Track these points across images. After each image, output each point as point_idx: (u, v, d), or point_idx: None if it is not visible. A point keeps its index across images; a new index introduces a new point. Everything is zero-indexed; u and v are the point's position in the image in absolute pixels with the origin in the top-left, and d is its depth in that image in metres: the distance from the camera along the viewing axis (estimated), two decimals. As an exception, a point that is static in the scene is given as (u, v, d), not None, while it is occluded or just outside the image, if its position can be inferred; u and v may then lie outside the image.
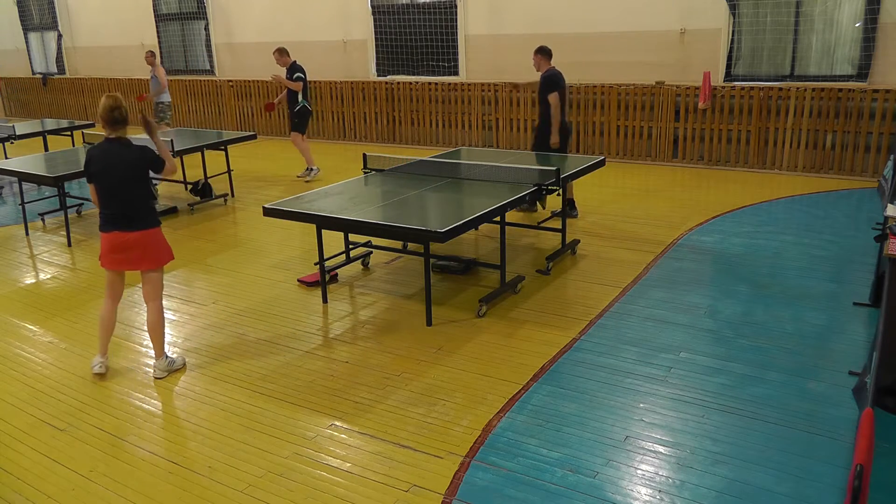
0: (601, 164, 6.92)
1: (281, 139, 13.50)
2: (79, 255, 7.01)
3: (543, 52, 7.25)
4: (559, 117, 7.13)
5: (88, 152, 4.39)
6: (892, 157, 5.74)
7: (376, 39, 12.33)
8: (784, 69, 9.44)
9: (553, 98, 7.08)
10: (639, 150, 10.39)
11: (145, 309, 4.45)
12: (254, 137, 9.46)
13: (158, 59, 11.07)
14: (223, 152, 9.17)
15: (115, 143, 4.29)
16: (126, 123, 4.31)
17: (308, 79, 9.87)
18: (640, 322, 5.03)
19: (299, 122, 9.89)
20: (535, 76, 7.50)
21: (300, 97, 9.74)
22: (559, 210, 6.95)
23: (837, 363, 4.34)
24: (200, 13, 14.20)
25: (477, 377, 4.34)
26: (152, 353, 4.86)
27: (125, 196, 4.30)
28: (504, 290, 5.56)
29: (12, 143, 9.90)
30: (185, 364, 4.65)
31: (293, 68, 9.70)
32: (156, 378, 4.48)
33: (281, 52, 9.74)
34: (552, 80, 7.18)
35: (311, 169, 10.02)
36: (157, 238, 4.43)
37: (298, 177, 10.04)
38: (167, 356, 4.58)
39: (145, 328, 5.24)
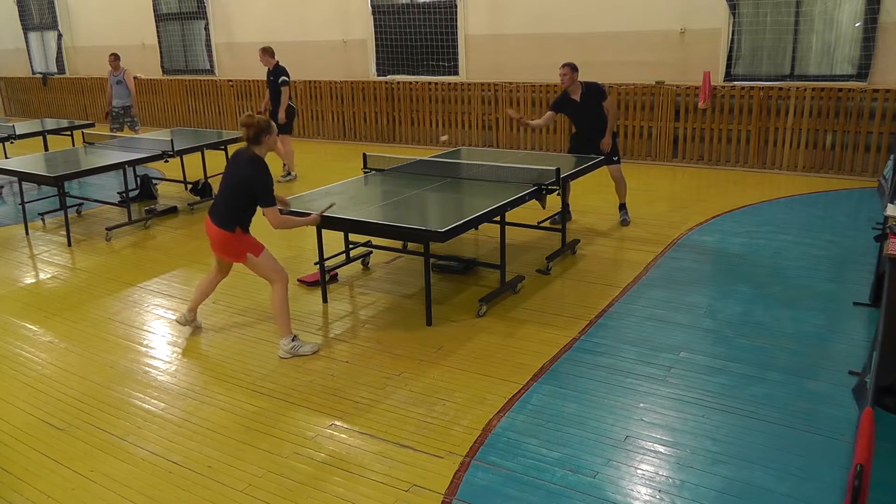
0: (601, 163, 6.93)
1: (281, 139, 13.48)
2: (79, 255, 7.01)
3: (575, 69, 7.04)
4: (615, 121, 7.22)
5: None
6: (892, 156, 5.74)
7: (376, 39, 12.32)
8: (784, 69, 9.43)
9: (609, 104, 7.10)
10: (639, 150, 10.39)
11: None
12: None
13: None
14: (223, 152, 9.16)
15: (245, 152, 4.56)
16: (257, 142, 4.49)
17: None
18: (640, 322, 5.03)
19: (287, 123, 9.69)
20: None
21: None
22: (556, 213, 6.94)
23: (837, 363, 4.34)
24: (200, 13, 14.19)
25: (477, 377, 4.34)
26: (153, 353, 4.88)
27: (222, 194, 4.60)
28: (504, 290, 5.56)
29: (12, 142, 9.89)
30: (314, 352, 4.70)
31: (277, 70, 9.59)
32: (280, 357, 4.63)
33: (265, 52, 9.60)
34: (599, 89, 7.12)
35: (290, 174, 9.86)
36: (232, 239, 4.58)
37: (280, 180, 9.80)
38: (293, 337, 4.68)
39: (146, 328, 5.27)
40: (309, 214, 4.86)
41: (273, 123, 4.58)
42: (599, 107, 7.04)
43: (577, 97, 7.03)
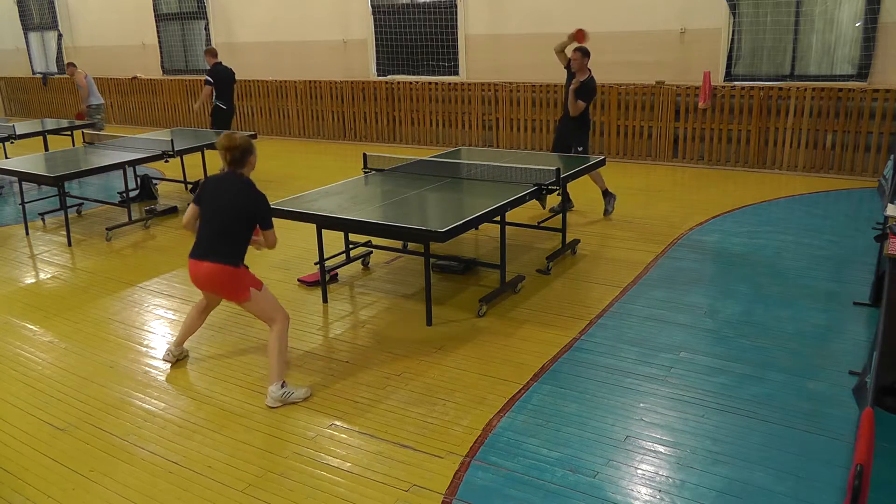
0: (601, 163, 6.93)
1: (281, 139, 13.51)
2: (79, 255, 7.01)
3: (587, 54, 7.38)
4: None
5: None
6: (892, 156, 5.74)
7: (376, 39, 12.32)
8: (784, 69, 9.43)
9: (573, 98, 7.38)
10: (639, 150, 10.39)
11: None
12: (254, 137, 9.44)
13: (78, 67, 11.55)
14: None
15: (232, 177, 4.19)
16: (242, 165, 4.16)
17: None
18: (640, 322, 5.03)
19: (213, 121, 10.09)
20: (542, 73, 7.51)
21: (214, 98, 9.94)
22: (557, 207, 6.98)
23: (837, 363, 4.34)
24: (200, 13, 14.20)
25: (477, 377, 4.34)
26: (153, 353, 4.87)
27: (218, 227, 4.13)
28: (504, 290, 5.56)
29: (12, 142, 9.90)
30: (307, 397, 4.16)
31: (209, 70, 9.94)
32: (268, 405, 4.09)
33: (207, 52, 10.03)
34: (586, 83, 7.37)
35: None
36: (237, 275, 4.16)
37: None
38: (283, 385, 4.11)
39: (146, 328, 5.26)
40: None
41: (252, 143, 4.22)
42: (575, 98, 7.33)
43: (572, 79, 7.39)
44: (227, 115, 10.10)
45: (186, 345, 4.75)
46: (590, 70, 7.36)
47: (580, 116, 7.48)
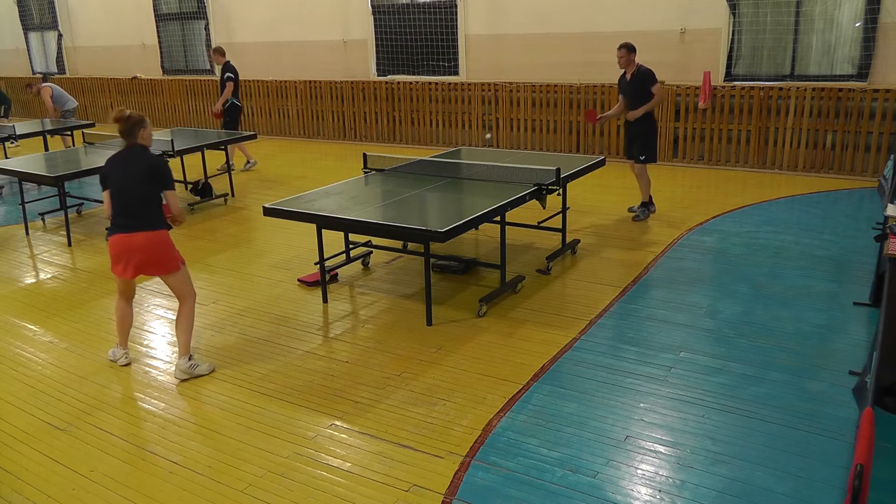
0: (601, 163, 6.92)
1: (281, 139, 13.51)
2: (79, 255, 7.01)
3: (632, 49, 7.31)
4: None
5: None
6: (892, 156, 5.74)
7: (376, 39, 12.32)
8: (784, 69, 9.43)
9: (657, 89, 7.27)
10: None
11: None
12: (254, 137, 9.47)
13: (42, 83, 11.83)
14: (223, 152, 9.18)
15: (132, 147, 4.34)
16: (133, 135, 4.31)
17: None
18: (640, 322, 5.03)
19: (232, 119, 10.29)
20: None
21: (231, 95, 10.16)
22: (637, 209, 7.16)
23: (837, 363, 4.34)
24: (200, 13, 14.19)
25: (477, 377, 4.34)
26: (153, 353, 4.87)
27: (135, 197, 4.26)
28: (504, 290, 5.56)
29: (13, 142, 9.91)
30: (211, 371, 4.49)
31: (225, 68, 10.16)
32: (176, 378, 4.42)
33: (215, 52, 10.28)
34: (653, 74, 7.31)
35: (250, 161, 10.61)
36: (166, 242, 4.34)
37: (243, 169, 10.58)
38: (190, 358, 4.44)
39: (146, 328, 5.27)
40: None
41: (145, 118, 4.38)
42: (647, 90, 7.24)
43: (628, 77, 7.34)
44: (240, 111, 10.42)
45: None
46: (638, 65, 7.30)
47: (644, 119, 7.27)
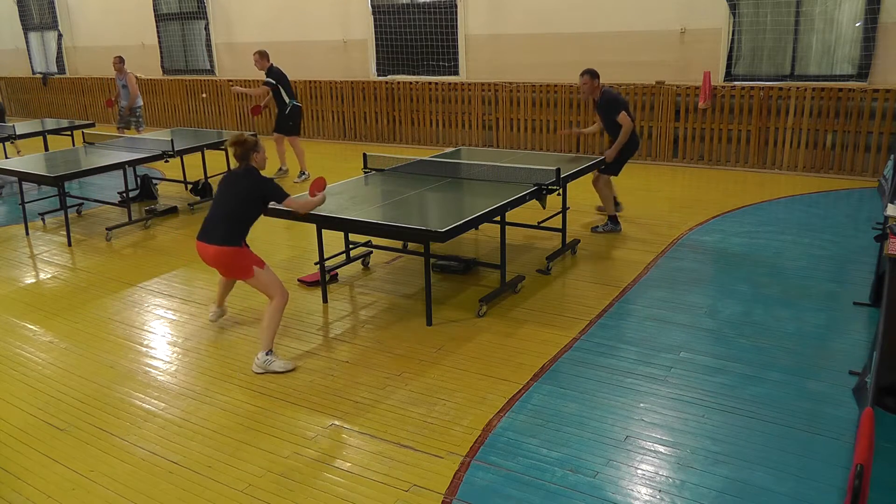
0: (601, 163, 6.92)
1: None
2: (79, 255, 7.01)
3: (595, 75, 6.88)
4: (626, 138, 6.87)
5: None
6: (892, 156, 5.74)
7: (376, 39, 12.32)
8: (784, 69, 9.43)
9: (623, 118, 6.81)
10: (639, 150, 10.35)
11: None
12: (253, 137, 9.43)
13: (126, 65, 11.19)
14: (223, 152, 9.16)
15: (238, 168, 4.62)
16: (247, 159, 4.57)
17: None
18: (640, 322, 5.03)
19: (294, 124, 9.85)
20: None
21: (287, 98, 9.68)
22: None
23: (837, 363, 4.34)
24: (200, 13, 14.19)
25: (477, 377, 4.34)
26: (153, 353, 4.88)
27: (221, 211, 4.53)
28: (504, 290, 5.56)
29: (12, 141, 9.91)
30: (287, 370, 4.48)
31: (268, 72, 9.66)
32: (253, 371, 4.49)
33: (261, 56, 9.66)
34: (618, 101, 6.94)
35: (304, 173, 10.04)
36: (238, 254, 4.50)
37: (296, 181, 10.04)
38: (269, 353, 4.50)
39: (147, 328, 5.27)
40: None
41: (260, 142, 4.64)
42: (612, 117, 6.85)
43: (594, 102, 6.99)
44: (300, 114, 10.00)
45: (184, 347, 4.75)
46: (603, 86, 6.93)
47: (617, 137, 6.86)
